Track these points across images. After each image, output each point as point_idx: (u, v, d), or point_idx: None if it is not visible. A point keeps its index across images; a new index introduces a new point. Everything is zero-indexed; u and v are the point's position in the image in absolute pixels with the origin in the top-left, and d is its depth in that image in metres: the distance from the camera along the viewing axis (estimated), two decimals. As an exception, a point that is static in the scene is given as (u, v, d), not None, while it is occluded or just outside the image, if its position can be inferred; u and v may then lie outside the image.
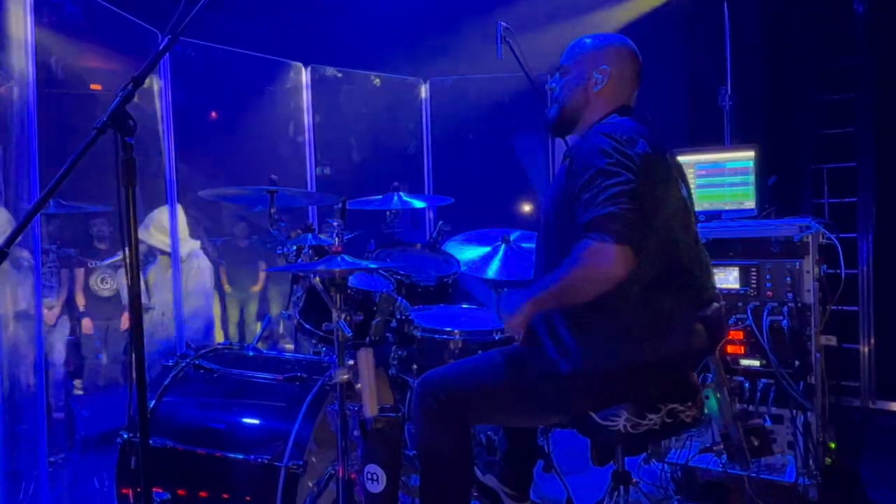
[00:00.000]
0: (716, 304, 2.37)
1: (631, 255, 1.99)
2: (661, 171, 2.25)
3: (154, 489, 2.57)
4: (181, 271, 4.78)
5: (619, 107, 2.39)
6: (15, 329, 3.10)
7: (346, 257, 2.49)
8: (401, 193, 3.87)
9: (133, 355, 1.83)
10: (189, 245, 5.11)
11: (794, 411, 3.20)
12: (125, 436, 2.75)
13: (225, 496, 2.61)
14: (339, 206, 3.13)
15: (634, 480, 2.52)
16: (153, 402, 2.78)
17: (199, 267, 5.25)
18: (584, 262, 2.03)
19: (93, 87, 4.39)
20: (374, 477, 2.48)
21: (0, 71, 3.03)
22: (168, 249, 4.76)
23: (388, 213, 4.00)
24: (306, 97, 5.40)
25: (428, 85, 5.92)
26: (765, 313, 3.25)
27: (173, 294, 4.63)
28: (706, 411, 2.99)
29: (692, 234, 2.35)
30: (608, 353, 2.18)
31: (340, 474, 2.44)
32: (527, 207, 6.71)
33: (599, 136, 2.20)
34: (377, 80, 6.07)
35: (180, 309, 4.58)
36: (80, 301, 5.38)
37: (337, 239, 2.53)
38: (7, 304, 3.06)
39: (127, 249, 1.78)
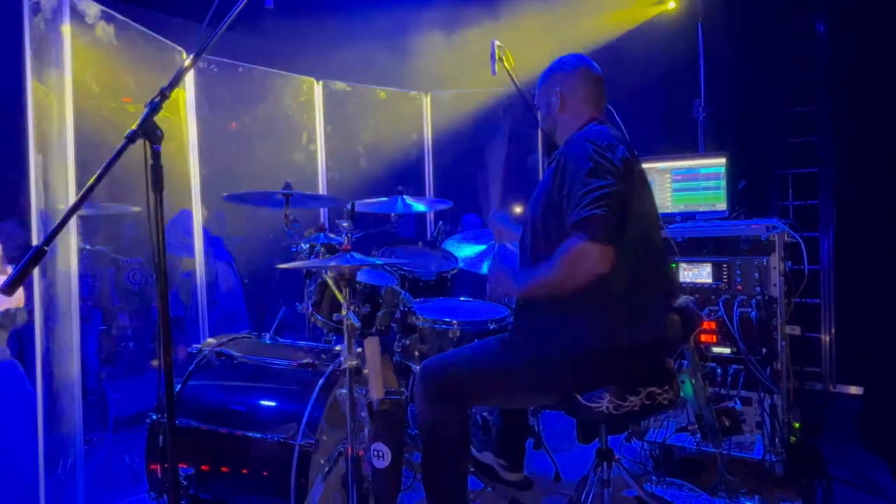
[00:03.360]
0: (690, 297, 2.39)
1: (612, 253, 2.03)
2: (637, 175, 2.27)
3: (180, 465, 2.57)
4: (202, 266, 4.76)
5: (592, 118, 2.41)
6: (54, 321, 3.10)
7: (355, 254, 2.49)
8: (404, 196, 3.87)
9: (161, 344, 1.83)
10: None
11: (762, 394, 3.20)
12: (153, 417, 2.75)
13: (244, 471, 2.61)
14: (348, 207, 3.12)
15: (616, 457, 2.53)
16: (179, 386, 2.79)
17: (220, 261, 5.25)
18: (572, 260, 2.07)
19: (124, 99, 4.39)
20: (380, 454, 2.48)
21: (42, 87, 3.03)
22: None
23: (392, 214, 3.99)
24: (318, 109, 5.40)
25: (429, 98, 5.92)
26: (735, 305, 3.25)
27: (198, 289, 4.62)
28: (682, 394, 3.00)
29: (662, 235, 2.38)
30: (590, 339, 2.19)
31: (349, 452, 2.44)
32: (518, 209, 6.70)
33: (583, 142, 2.21)
34: (383, 94, 6.05)
35: (203, 302, 4.57)
36: (112, 295, 5.36)
37: (346, 238, 2.53)
38: (45, 298, 3.06)
39: (155, 247, 1.78)
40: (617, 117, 2.64)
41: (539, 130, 2.64)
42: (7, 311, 3.26)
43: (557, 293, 2.18)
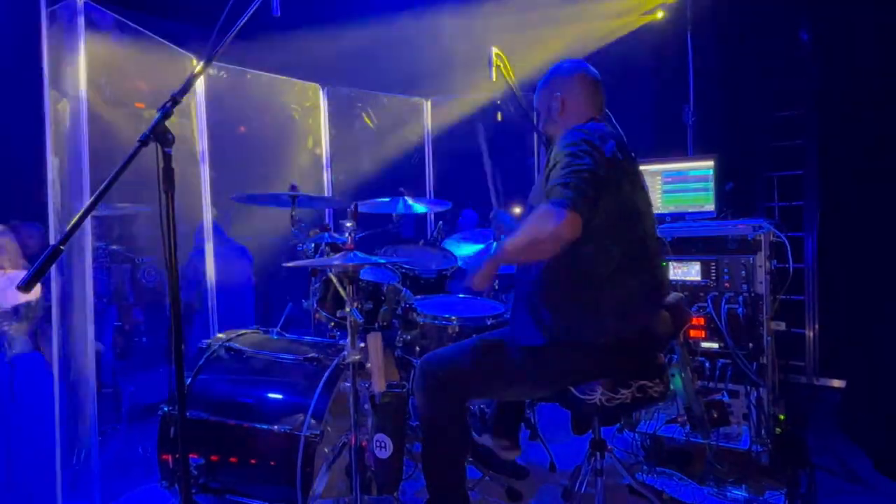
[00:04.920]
0: (679, 294, 2.39)
1: (579, 221, 2.00)
2: (630, 172, 2.27)
3: (191, 455, 2.57)
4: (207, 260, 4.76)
5: (590, 119, 2.42)
6: (70, 317, 3.11)
7: (358, 253, 2.49)
8: (405, 197, 3.87)
9: (172, 338, 1.83)
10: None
11: (749, 387, 3.20)
12: (165, 409, 2.75)
13: (252, 461, 2.61)
14: (352, 208, 3.12)
15: (609, 447, 2.53)
16: (190, 379, 2.79)
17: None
18: (535, 221, 2.06)
19: (137, 105, 4.39)
20: (382, 444, 2.49)
21: (58, 93, 3.03)
22: None
23: (394, 215, 3.99)
24: (323, 114, 5.40)
25: (429, 103, 5.92)
26: (723, 302, 3.25)
27: (208, 286, 4.62)
28: (672, 387, 3.00)
29: (655, 233, 2.38)
30: (580, 327, 2.20)
31: (353, 442, 2.44)
32: (516, 210, 6.70)
33: (573, 131, 2.23)
34: (385, 99, 6.07)
35: (213, 297, 4.57)
36: (126, 292, 5.36)
37: (350, 237, 2.53)
38: (62, 296, 3.06)
39: (167, 246, 1.78)
40: (613, 120, 2.64)
41: (535, 133, 2.64)
42: (28, 304, 3.26)
43: (525, 259, 2.20)
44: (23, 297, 3.24)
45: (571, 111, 2.44)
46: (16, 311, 3.25)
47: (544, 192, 2.13)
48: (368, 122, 6.04)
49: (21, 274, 3.27)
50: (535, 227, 2.06)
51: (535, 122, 2.65)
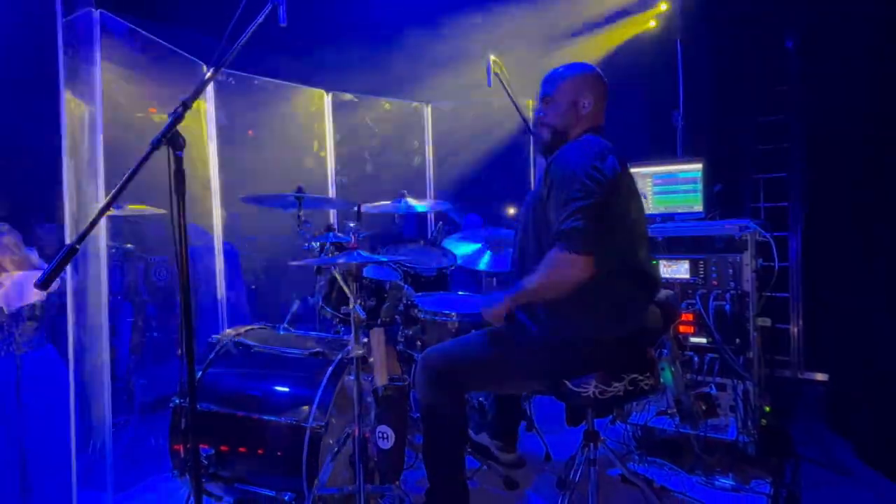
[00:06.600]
0: (669, 291, 2.39)
1: (592, 262, 2.07)
2: (626, 182, 2.27)
3: (201, 446, 2.57)
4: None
5: (595, 125, 2.40)
6: (85, 313, 3.10)
7: (361, 252, 2.49)
8: (407, 199, 3.86)
9: (183, 334, 1.83)
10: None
11: (736, 381, 3.20)
12: (176, 401, 2.75)
13: (260, 451, 2.61)
14: (355, 209, 3.12)
15: (602, 438, 2.53)
16: (200, 372, 2.79)
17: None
18: (555, 269, 2.10)
19: (150, 109, 4.38)
20: (385, 436, 2.49)
21: (74, 97, 3.03)
22: None
23: (395, 215, 3.98)
24: (328, 118, 5.39)
25: (430, 108, 5.91)
26: (711, 299, 3.25)
27: (217, 283, 4.62)
28: (662, 381, 3.00)
29: (646, 235, 2.38)
30: (574, 324, 2.21)
31: (356, 434, 2.44)
32: (511, 210, 6.71)
33: (574, 152, 2.21)
34: (387, 105, 6.06)
35: (220, 294, 4.57)
36: (139, 290, 5.35)
37: (353, 237, 2.53)
38: (77, 293, 3.05)
39: (177, 246, 1.78)
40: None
41: (531, 136, 2.60)
42: (33, 305, 3.24)
43: (542, 299, 2.20)
44: (34, 297, 3.22)
45: (593, 112, 2.39)
46: (23, 313, 3.23)
47: (544, 211, 2.15)
48: (372, 125, 6.04)
49: (28, 274, 3.27)
50: (555, 274, 2.11)
51: (531, 122, 2.60)
